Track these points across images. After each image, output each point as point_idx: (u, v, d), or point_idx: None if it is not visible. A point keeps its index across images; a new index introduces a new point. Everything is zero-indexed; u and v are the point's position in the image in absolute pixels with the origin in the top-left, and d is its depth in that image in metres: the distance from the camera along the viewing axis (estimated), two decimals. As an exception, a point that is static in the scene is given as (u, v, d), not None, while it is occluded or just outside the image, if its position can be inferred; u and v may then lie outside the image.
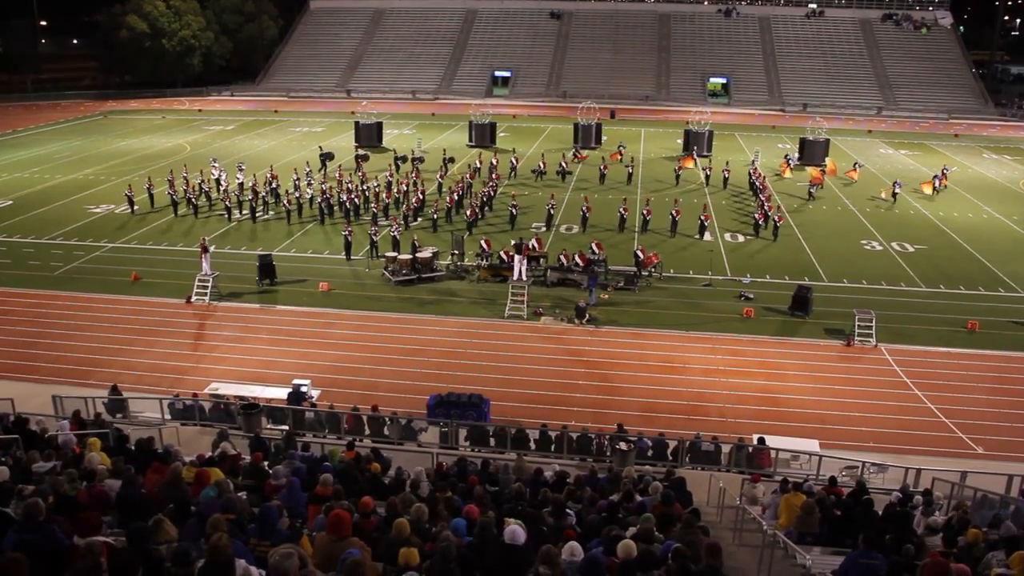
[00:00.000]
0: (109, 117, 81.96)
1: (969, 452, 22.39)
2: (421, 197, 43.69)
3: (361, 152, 55.77)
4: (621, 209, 41.18)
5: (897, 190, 49.36)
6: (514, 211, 41.14)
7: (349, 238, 36.85)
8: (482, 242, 35.84)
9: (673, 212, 40.75)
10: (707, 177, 52.17)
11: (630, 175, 52.45)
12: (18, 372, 26.01)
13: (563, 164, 52.47)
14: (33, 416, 15.91)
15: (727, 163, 53.31)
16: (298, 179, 45.51)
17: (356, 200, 43.38)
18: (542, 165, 52.56)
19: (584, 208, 41.05)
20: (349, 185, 44.39)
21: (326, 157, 53.74)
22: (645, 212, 41.25)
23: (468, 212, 41.26)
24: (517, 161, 52.89)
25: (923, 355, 28.33)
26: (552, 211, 41.92)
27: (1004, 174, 59.46)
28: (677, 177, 52.01)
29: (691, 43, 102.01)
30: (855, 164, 55.31)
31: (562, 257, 34.66)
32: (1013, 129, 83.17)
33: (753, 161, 55.24)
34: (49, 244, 38.80)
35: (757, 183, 48.09)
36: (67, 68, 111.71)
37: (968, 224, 44.89)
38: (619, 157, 56.62)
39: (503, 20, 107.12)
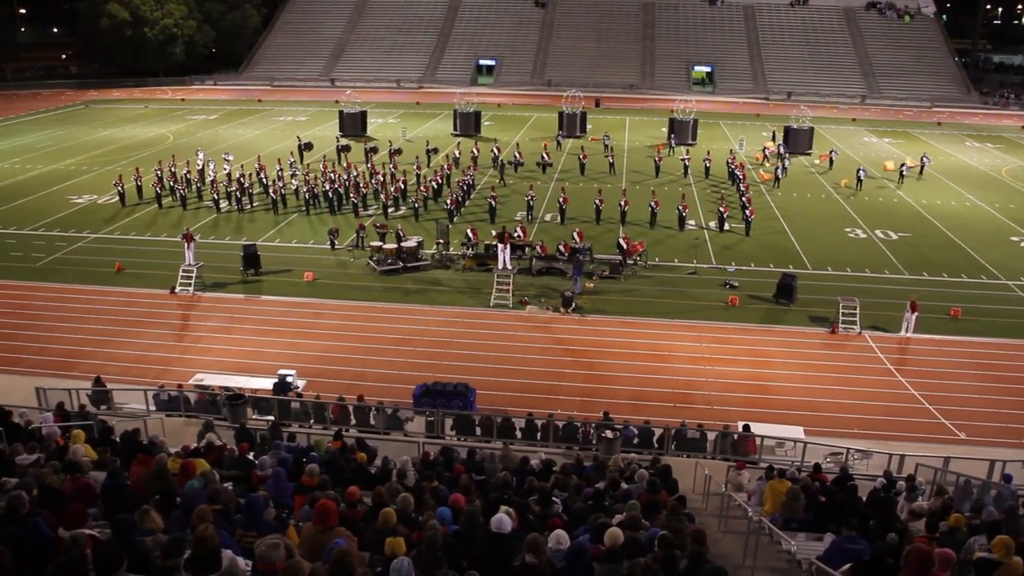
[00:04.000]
0: (91, 106, 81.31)
1: (952, 438, 22.57)
2: (402, 187, 43.46)
3: (343, 143, 55.42)
4: (597, 201, 40.95)
5: (861, 176, 49.88)
6: (493, 203, 41.09)
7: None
8: (468, 231, 35.80)
9: (652, 204, 40.58)
10: (686, 167, 52.09)
11: (611, 164, 52.42)
12: (1, 364, 25.79)
13: (544, 156, 52.22)
14: (16, 408, 15.78)
15: (708, 152, 53.48)
16: (281, 169, 45.23)
17: (340, 190, 43.25)
18: (518, 156, 52.28)
19: (560, 200, 40.77)
20: (332, 175, 44.21)
21: (305, 147, 53.42)
22: (622, 203, 40.77)
23: (449, 200, 41.05)
24: (499, 151, 52.77)
25: (907, 342, 28.52)
26: (532, 202, 41.73)
27: (986, 162, 59.82)
28: (657, 168, 52.10)
29: (675, 31, 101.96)
30: (831, 152, 55.69)
31: (538, 247, 34.62)
32: (995, 117, 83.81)
33: (732, 150, 55.24)
34: (31, 235, 38.47)
35: (738, 173, 47.95)
36: (47, 57, 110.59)
37: (951, 212, 45.15)
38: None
39: (487, 8, 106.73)
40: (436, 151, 52.33)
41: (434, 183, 43.97)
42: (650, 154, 55.05)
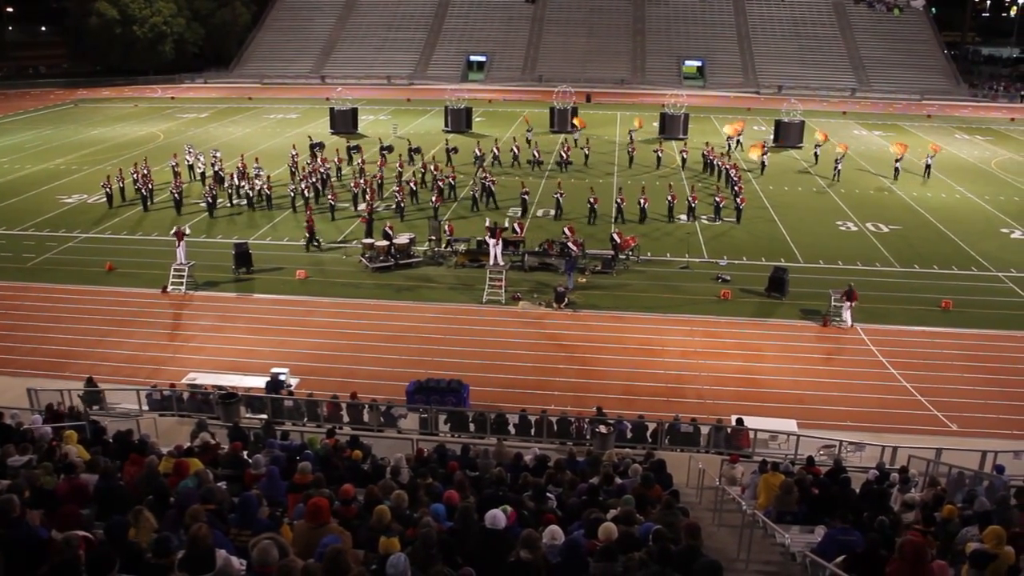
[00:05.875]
0: (80, 105, 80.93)
1: (944, 429, 22.66)
2: (412, 188, 42.83)
3: (353, 144, 54.85)
4: (618, 199, 40.44)
5: (839, 167, 50.29)
6: (525, 198, 41.26)
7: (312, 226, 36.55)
8: (445, 227, 35.75)
9: (669, 197, 40.71)
10: (659, 158, 52.19)
11: (587, 157, 52.75)
12: (-8, 365, 25.71)
13: (563, 154, 51.91)
14: (8, 410, 15.72)
15: (684, 144, 54.06)
16: (259, 168, 44.95)
17: (318, 185, 43.67)
18: (536, 154, 52.01)
19: (591, 200, 39.96)
20: (308, 169, 44.36)
21: (318, 146, 53.09)
22: (641, 200, 40.33)
23: (433, 198, 40.79)
24: (518, 149, 52.56)
25: (898, 334, 28.59)
26: (560, 199, 41.12)
27: (976, 154, 60.02)
28: (631, 159, 52.63)
29: (666, 26, 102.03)
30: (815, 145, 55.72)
31: (546, 247, 34.58)
32: (984, 110, 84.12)
33: (707, 142, 55.38)
34: (21, 235, 38.31)
35: (728, 168, 47.87)
36: (36, 56, 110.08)
37: (941, 204, 45.29)
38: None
39: (478, 4, 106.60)
40: (456, 150, 51.87)
41: (443, 182, 43.55)
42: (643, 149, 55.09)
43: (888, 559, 8.63)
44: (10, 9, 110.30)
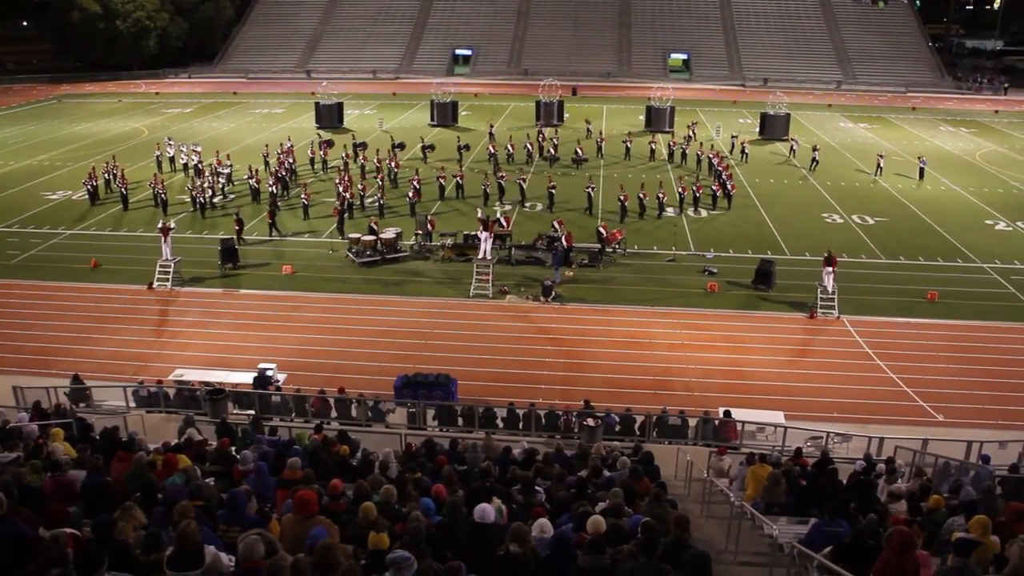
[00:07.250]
0: (63, 101, 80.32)
1: (930, 420, 22.79)
2: (415, 187, 42.44)
3: (358, 141, 54.43)
4: (640, 195, 40.23)
5: (816, 157, 50.91)
6: (552, 191, 41.34)
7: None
8: (428, 223, 35.66)
9: (679, 190, 41.02)
10: (628, 149, 52.44)
11: (556, 147, 52.11)
12: (-24, 363, 25.51)
13: (578, 151, 51.40)
14: (-7, 407, 15.66)
15: (653, 136, 55.13)
16: (232, 164, 44.87)
17: (287, 178, 44.36)
18: (553, 151, 51.56)
19: (621, 197, 39.48)
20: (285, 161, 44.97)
21: (327, 144, 52.74)
22: (660, 195, 40.17)
23: (411, 193, 40.43)
24: (531, 146, 52.09)
25: (884, 326, 28.73)
26: (592, 193, 41.00)
27: (960, 146, 60.33)
28: (599, 149, 53.32)
29: (652, 19, 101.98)
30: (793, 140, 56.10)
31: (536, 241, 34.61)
32: (968, 102, 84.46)
33: (672, 132, 55.84)
34: (5, 232, 38.01)
35: (710, 156, 48.16)
36: (18, 51, 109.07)
37: (926, 196, 45.51)
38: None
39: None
40: (467, 148, 51.52)
41: (441, 179, 43.23)
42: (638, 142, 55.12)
43: (875, 549, 8.67)
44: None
